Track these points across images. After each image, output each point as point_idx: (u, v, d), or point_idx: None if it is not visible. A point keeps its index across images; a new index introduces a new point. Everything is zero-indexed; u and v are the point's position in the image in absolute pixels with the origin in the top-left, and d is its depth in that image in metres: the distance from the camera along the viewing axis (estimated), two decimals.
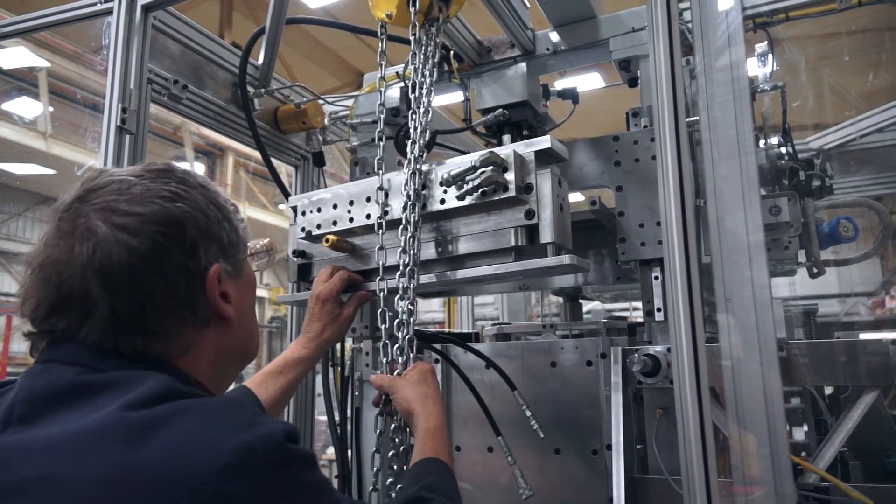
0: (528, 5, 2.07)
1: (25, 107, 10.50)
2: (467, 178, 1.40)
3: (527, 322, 3.60)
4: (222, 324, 0.94)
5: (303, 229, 1.69)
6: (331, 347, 1.79)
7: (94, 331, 0.83)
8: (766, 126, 2.40)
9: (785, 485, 1.19)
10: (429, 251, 1.54)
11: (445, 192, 1.47)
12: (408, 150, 1.51)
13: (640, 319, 1.85)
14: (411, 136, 1.52)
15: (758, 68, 2.28)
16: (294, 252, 1.73)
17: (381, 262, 1.49)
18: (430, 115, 1.55)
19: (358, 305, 1.60)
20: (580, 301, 2.60)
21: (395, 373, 1.39)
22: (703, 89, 1.36)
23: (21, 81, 10.06)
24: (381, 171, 1.54)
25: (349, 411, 2.07)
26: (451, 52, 2.07)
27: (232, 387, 1.21)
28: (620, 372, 1.68)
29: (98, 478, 0.68)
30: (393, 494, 1.28)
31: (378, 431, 1.37)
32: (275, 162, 2.44)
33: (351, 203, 1.61)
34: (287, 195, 2.26)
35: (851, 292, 13.12)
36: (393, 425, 1.35)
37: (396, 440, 1.34)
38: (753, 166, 1.29)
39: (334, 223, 1.63)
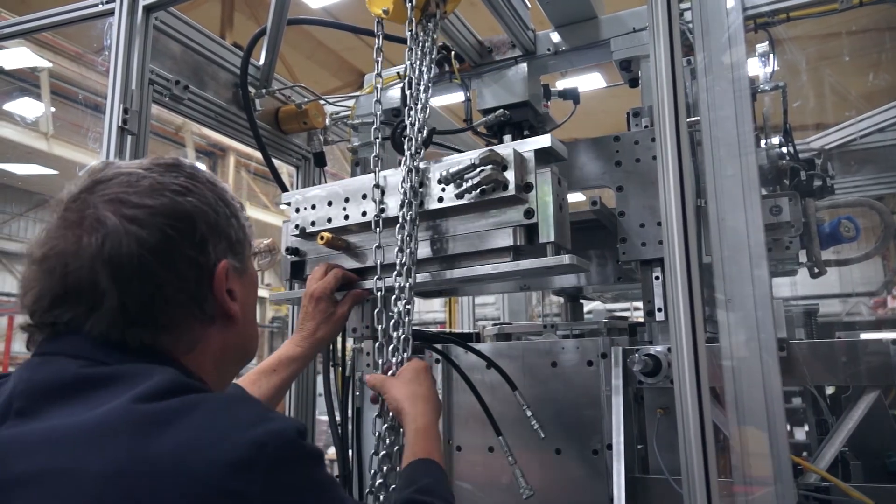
0: (529, 6, 2.08)
1: (27, 107, 10.50)
2: (466, 176, 1.40)
3: (528, 322, 3.60)
4: (227, 322, 0.94)
5: (296, 226, 1.67)
6: (330, 346, 1.78)
7: (101, 323, 0.82)
8: (768, 126, 2.40)
9: (785, 485, 1.19)
10: (426, 250, 1.53)
11: (444, 189, 1.46)
12: (405, 147, 1.50)
13: (641, 319, 1.85)
14: (407, 132, 1.51)
15: (759, 68, 2.28)
16: (287, 249, 1.72)
17: (378, 261, 1.47)
18: (427, 112, 1.54)
19: (352, 304, 1.59)
20: (581, 301, 2.61)
21: (390, 372, 1.37)
22: (704, 89, 1.36)
23: (23, 82, 10.06)
24: (377, 168, 1.53)
25: (350, 411, 2.07)
26: (453, 53, 2.07)
27: None
28: (621, 373, 1.68)
29: (108, 471, 0.67)
30: (382, 496, 1.27)
31: (376, 434, 1.36)
32: (276, 162, 2.44)
33: (346, 200, 1.60)
34: None
35: (853, 292, 13.11)
36: (385, 426, 1.34)
37: (388, 440, 1.33)
38: (754, 166, 1.29)
39: (329, 220, 1.62)
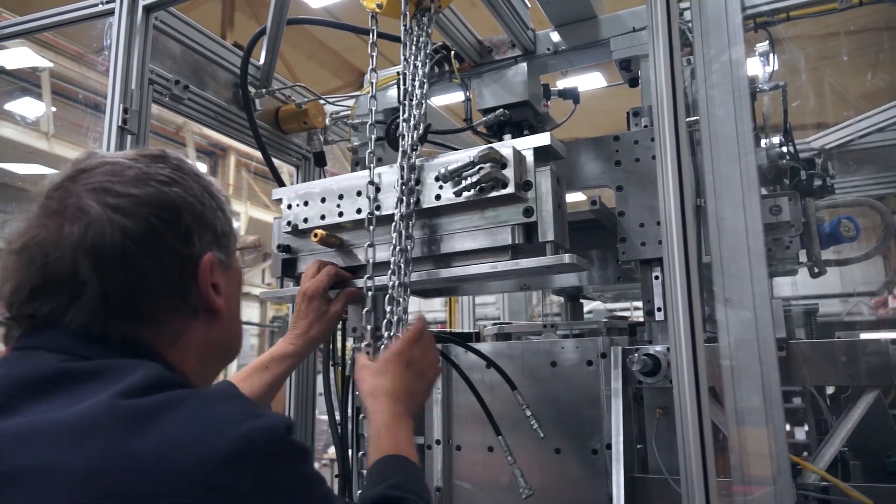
0: (529, 5, 2.08)
1: (28, 107, 10.50)
2: (465, 173, 1.39)
3: (528, 322, 3.60)
4: (211, 316, 0.92)
5: (289, 223, 1.65)
6: (330, 346, 1.78)
7: (81, 314, 0.80)
8: (767, 125, 2.40)
9: (784, 485, 1.19)
10: (423, 248, 1.51)
11: (441, 187, 1.45)
12: (400, 143, 1.49)
13: (641, 319, 1.85)
14: (401, 128, 1.50)
15: (758, 68, 2.28)
16: (279, 247, 1.69)
17: (369, 259, 1.45)
18: (423, 107, 1.52)
19: (346, 302, 1.58)
20: (581, 301, 2.61)
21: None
22: (704, 89, 1.36)
23: (24, 82, 10.07)
24: (371, 165, 1.52)
25: (350, 411, 2.07)
26: (452, 52, 2.07)
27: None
28: (621, 373, 1.68)
29: (90, 467, 0.65)
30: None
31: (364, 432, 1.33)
32: (276, 162, 2.44)
33: (340, 197, 1.59)
34: None
35: (854, 292, 13.08)
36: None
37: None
38: (753, 166, 1.29)
39: (322, 217, 1.61)
